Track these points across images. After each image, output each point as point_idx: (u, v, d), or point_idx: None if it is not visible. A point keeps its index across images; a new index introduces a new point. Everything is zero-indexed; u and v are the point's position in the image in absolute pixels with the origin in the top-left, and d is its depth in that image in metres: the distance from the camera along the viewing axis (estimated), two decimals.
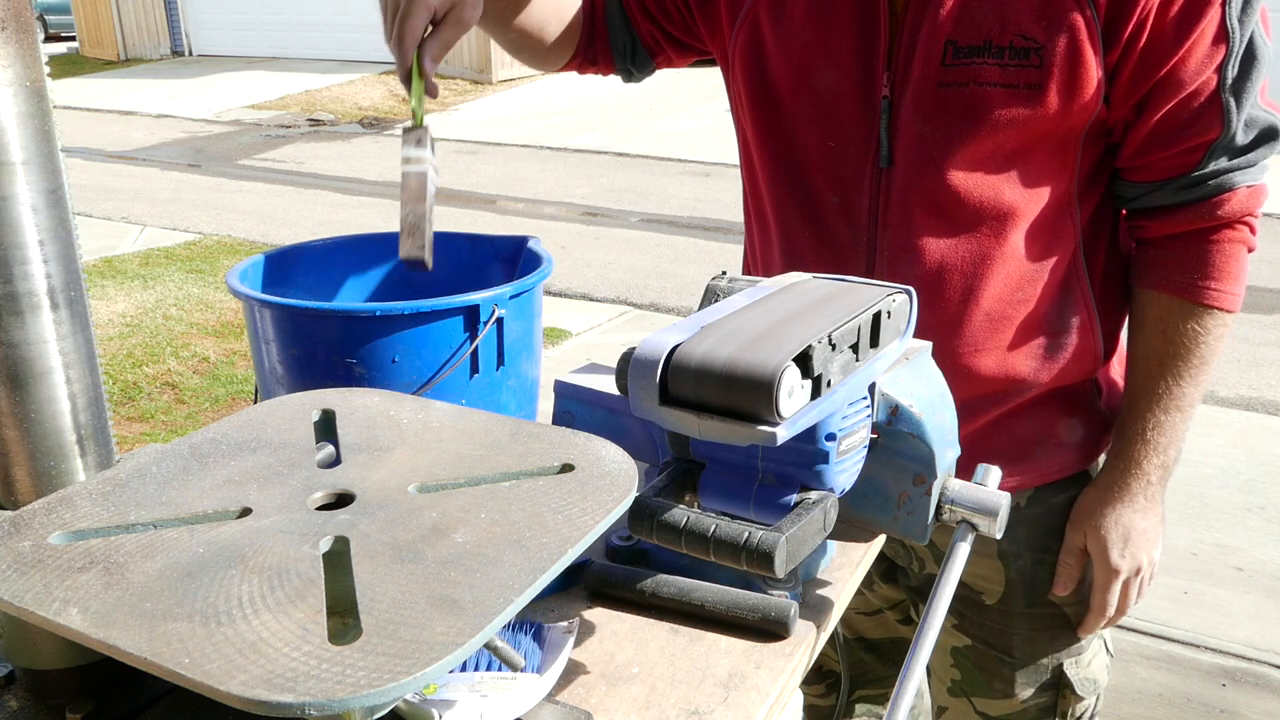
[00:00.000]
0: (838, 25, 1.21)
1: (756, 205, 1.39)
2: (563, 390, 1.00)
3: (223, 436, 0.81)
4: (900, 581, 1.49)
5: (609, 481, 0.73)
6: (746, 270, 1.48)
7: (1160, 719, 2.56)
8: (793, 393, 0.77)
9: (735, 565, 0.80)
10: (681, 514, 0.83)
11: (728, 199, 7.88)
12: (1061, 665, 1.37)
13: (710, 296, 0.98)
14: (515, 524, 0.67)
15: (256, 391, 1.25)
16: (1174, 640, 2.82)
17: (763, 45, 1.28)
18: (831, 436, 0.85)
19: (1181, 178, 1.18)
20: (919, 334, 1.03)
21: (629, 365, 0.81)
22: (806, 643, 0.89)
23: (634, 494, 0.72)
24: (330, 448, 0.80)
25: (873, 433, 0.94)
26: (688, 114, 10.57)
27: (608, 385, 0.97)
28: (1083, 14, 1.10)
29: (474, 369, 1.17)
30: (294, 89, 13.47)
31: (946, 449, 0.96)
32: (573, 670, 0.84)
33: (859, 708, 1.75)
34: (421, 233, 1.11)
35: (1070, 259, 1.25)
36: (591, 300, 5.72)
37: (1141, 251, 1.27)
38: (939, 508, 0.96)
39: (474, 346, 1.15)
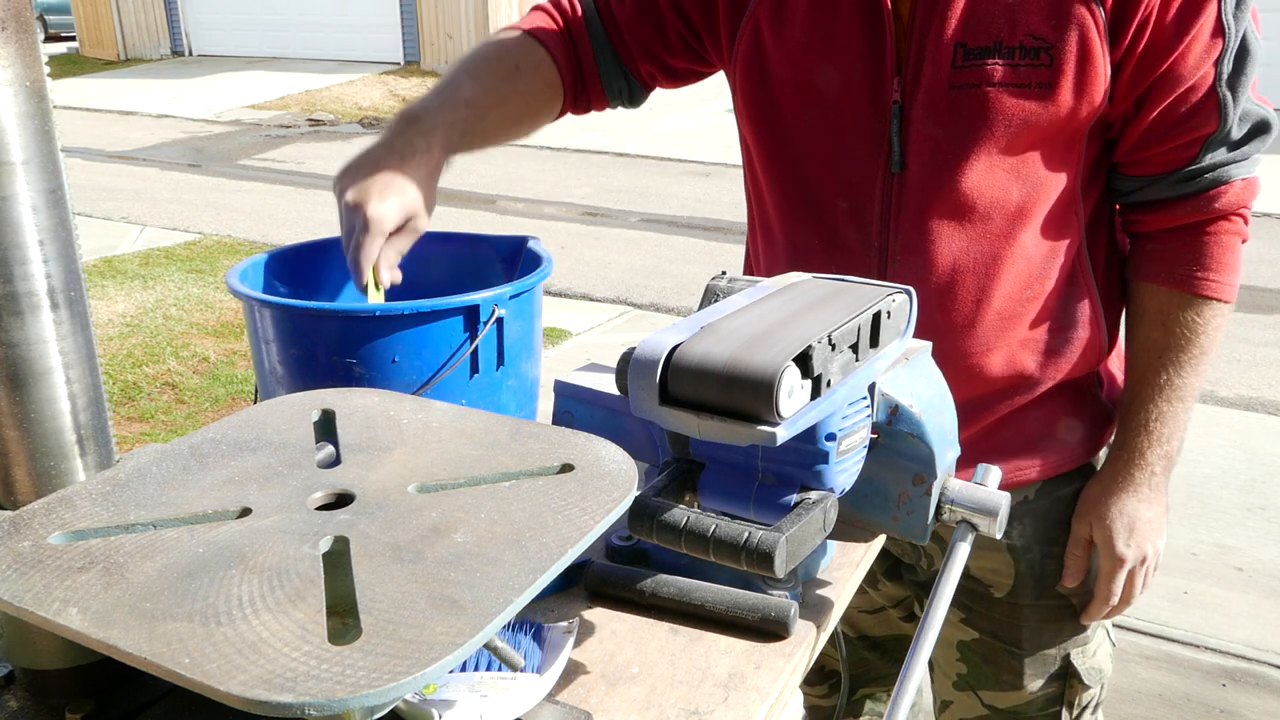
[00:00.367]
0: (842, 31, 1.21)
1: (761, 213, 1.39)
2: (563, 390, 1.00)
3: (223, 436, 0.81)
4: (906, 578, 1.50)
5: (609, 481, 0.73)
6: (748, 274, 1.48)
7: (1160, 719, 2.56)
8: (793, 393, 0.77)
9: (735, 565, 0.80)
10: (681, 514, 0.82)
11: (728, 199, 7.87)
12: (1068, 655, 1.38)
13: (710, 296, 0.98)
14: (515, 524, 0.67)
15: (256, 391, 1.25)
16: (1174, 640, 2.82)
17: (764, 54, 1.27)
18: (831, 436, 0.85)
19: (1179, 171, 1.19)
20: (931, 336, 1.03)
21: (629, 365, 0.81)
22: (806, 643, 0.89)
23: (634, 494, 0.72)
24: (330, 448, 0.80)
25: (873, 433, 0.94)
26: (688, 114, 10.57)
27: (608, 385, 0.97)
28: (1091, 12, 1.11)
29: (474, 369, 1.17)
30: (294, 89, 13.47)
31: (946, 449, 0.96)
32: (573, 670, 0.84)
33: (865, 705, 1.75)
34: None
35: (1075, 254, 1.25)
36: (591, 300, 5.72)
37: (1138, 245, 1.28)
38: (939, 508, 0.96)
39: (474, 346, 1.15)
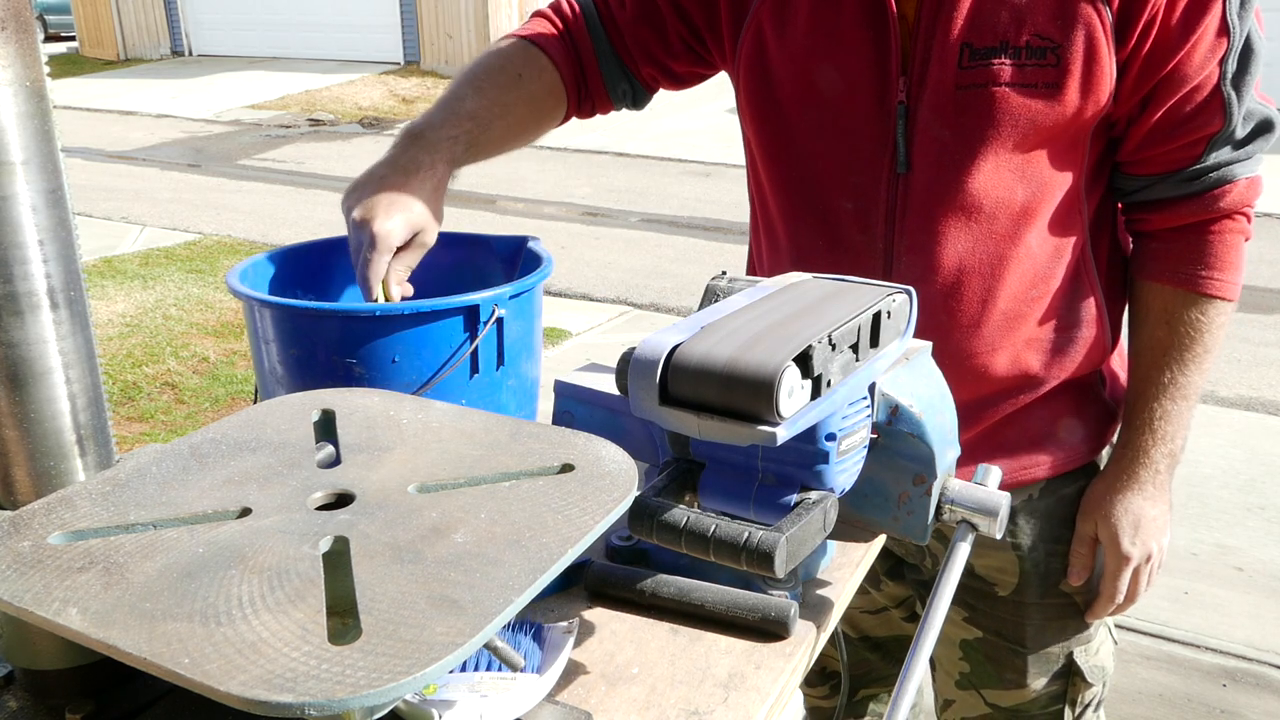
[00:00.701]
0: (845, 31, 1.20)
1: (764, 214, 1.38)
2: (563, 390, 1.00)
3: (223, 436, 0.81)
4: (908, 577, 1.50)
5: (609, 481, 0.73)
6: (751, 274, 1.48)
7: (1160, 719, 2.56)
8: (793, 393, 0.77)
9: (735, 565, 0.80)
10: (681, 514, 0.82)
11: (728, 199, 7.87)
12: (1072, 654, 1.38)
13: (710, 296, 0.98)
14: (515, 524, 0.67)
15: (256, 391, 1.25)
16: (1174, 640, 2.82)
17: (767, 54, 1.27)
18: (831, 436, 0.85)
19: (1183, 170, 1.19)
20: (936, 336, 1.04)
21: (629, 365, 0.81)
22: (806, 643, 0.89)
23: (634, 494, 0.72)
24: (330, 448, 0.80)
25: (873, 433, 0.94)
26: (688, 114, 10.57)
27: (608, 385, 0.97)
28: (1097, 11, 1.11)
29: (474, 369, 1.17)
30: (294, 89, 13.47)
31: (946, 449, 0.96)
32: (573, 670, 0.84)
33: (868, 706, 1.75)
34: None
35: (1080, 253, 1.26)
36: (591, 300, 5.72)
37: (1142, 244, 1.28)
38: (939, 508, 0.96)
39: (474, 346, 1.15)
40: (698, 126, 10.33)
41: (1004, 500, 0.95)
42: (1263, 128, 1.18)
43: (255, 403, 0.99)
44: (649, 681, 0.83)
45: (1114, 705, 2.57)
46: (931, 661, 1.48)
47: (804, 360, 0.78)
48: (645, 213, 7.69)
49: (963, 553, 0.96)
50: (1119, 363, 1.38)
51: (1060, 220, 1.23)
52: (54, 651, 0.73)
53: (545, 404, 1.18)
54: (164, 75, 14.94)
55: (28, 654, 0.74)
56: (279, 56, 15.60)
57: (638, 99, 1.46)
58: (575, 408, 1.00)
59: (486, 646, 0.68)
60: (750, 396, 0.76)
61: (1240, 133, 1.17)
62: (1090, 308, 1.28)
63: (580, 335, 5.16)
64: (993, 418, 1.29)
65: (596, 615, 0.93)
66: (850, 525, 1.02)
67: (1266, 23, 1.20)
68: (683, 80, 1.44)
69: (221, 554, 0.64)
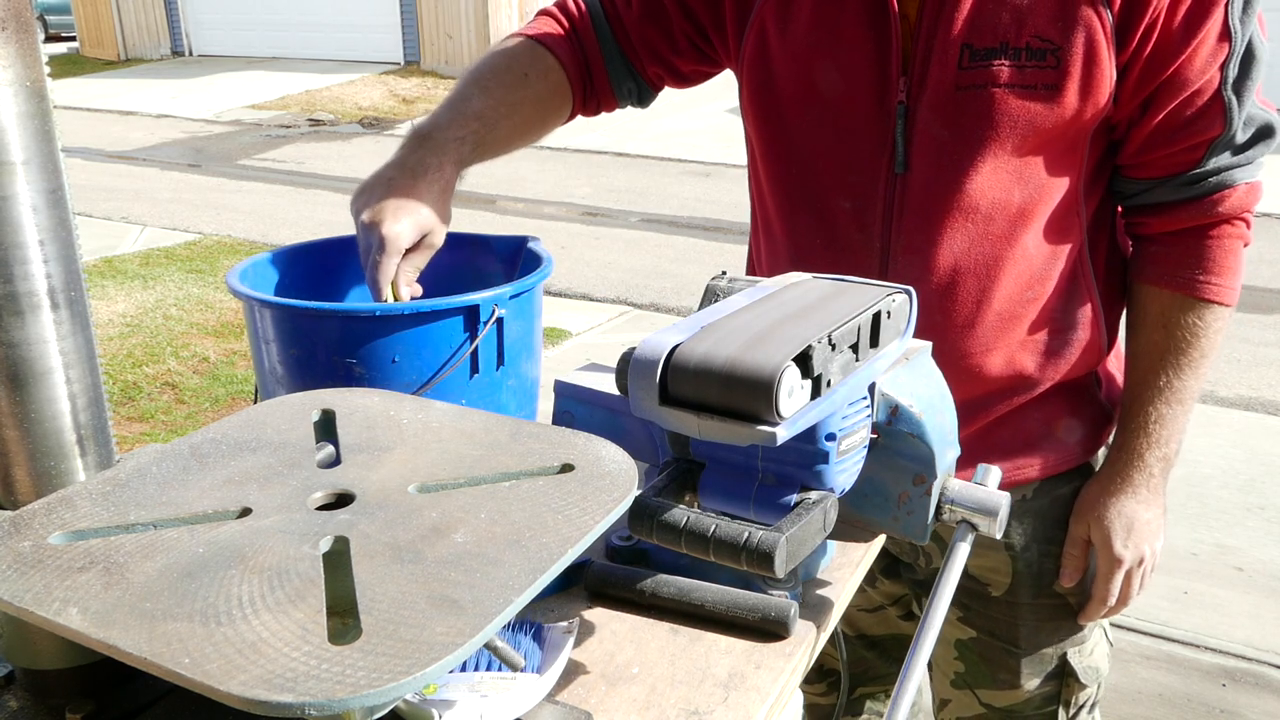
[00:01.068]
0: (847, 31, 1.20)
1: (763, 212, 1.39)
2: (563, 390, 1.00)
3: (223, 436, 0.81)
4: (904, 576, 1.50)
5: (609, 481, 0.73)
6: (750, 274, 1.48)
7: (1160, 719, 2.56)
8: (793, 393, 0.77)
9: (735, 565, 0.80)
10: (681, 514, 0.82)
11: (728, 199, 7.87)
12: (1065, 655, 1.38)
13: (710, 296, 0.98)
14: (515, 524, 0.67)
15: (256, 391, 1.25)
16: (1174, 640, 2.82)
17: (769, 53, 1.27)
18: (831, 436, 0.85)
19: (1183, 175, 1.19)
20: (930, 336, 1.03)
21: (629, 365, 0.81)
22: (806, 643, 0.89)
23: (634, 494, 0.72)
24: (330, 448, 0.80)
25: (873, 433, 0.94)
26: (688, 114, 10.57)
27: (608, 385, 0.97)
28: (1098, 14, 1.11)
29: (474, 369, 1.17)
30: (294, 89, 13.47)
31: (946, 449, 0.96)
32: (573, 670, 0.84)
33: (865, 705, 1.75)
34: None
35: (1077, 255, 1.26)
36: (591, 300, 5.72)
37: (1141, 248, 1.28)
38: (939, 508, 0.96)
39: (474, 346, 1.15)
40: (698, 126, 10.33)
41: (1004, 500, 0.95)
42: (1263, 133, 1.18)
43: (255, 403, 1.00)
44: (649, 681, 0.83)
45: (1114, 705, 2.57)
46: (928, 661, 1.48)
47: (804, 360, 0.78)
48: (645, 213, 7.69)
49: (962, 553, 0.96)
50: (1115, 365, 1.38)
51: (1058, 222, 1.23)
52: (54, 651, 0.73)
53: (545, 404, 1.18)
54: (164, 75, 14.94)
55: (28, 654, 0.74)
56: (279, 56, 15.59)
57: (643, 97, 1.46)
58: (575, 408, 1.00)
59: (486, 646, 0.68)
60: (750, 396, 0.76)
61: (1241, 137, 1.17)
62: (1086, 310, 1.28)
63: (580, 335, 5.16)
64: (987, 418, 1.29)
65: (596, 615, 0.93)
66: (850, 525, 1.02)
67: (1268, 24, 1.20)
68: (688, 79, 1.45)
69: (221, 554, 0.64)
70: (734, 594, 0.90)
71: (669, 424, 0.81)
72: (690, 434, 0.81)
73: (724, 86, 1.43)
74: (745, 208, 1.46)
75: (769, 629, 0.88)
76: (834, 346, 0.82)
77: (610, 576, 0.94)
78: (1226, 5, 1.11)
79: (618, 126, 10.31)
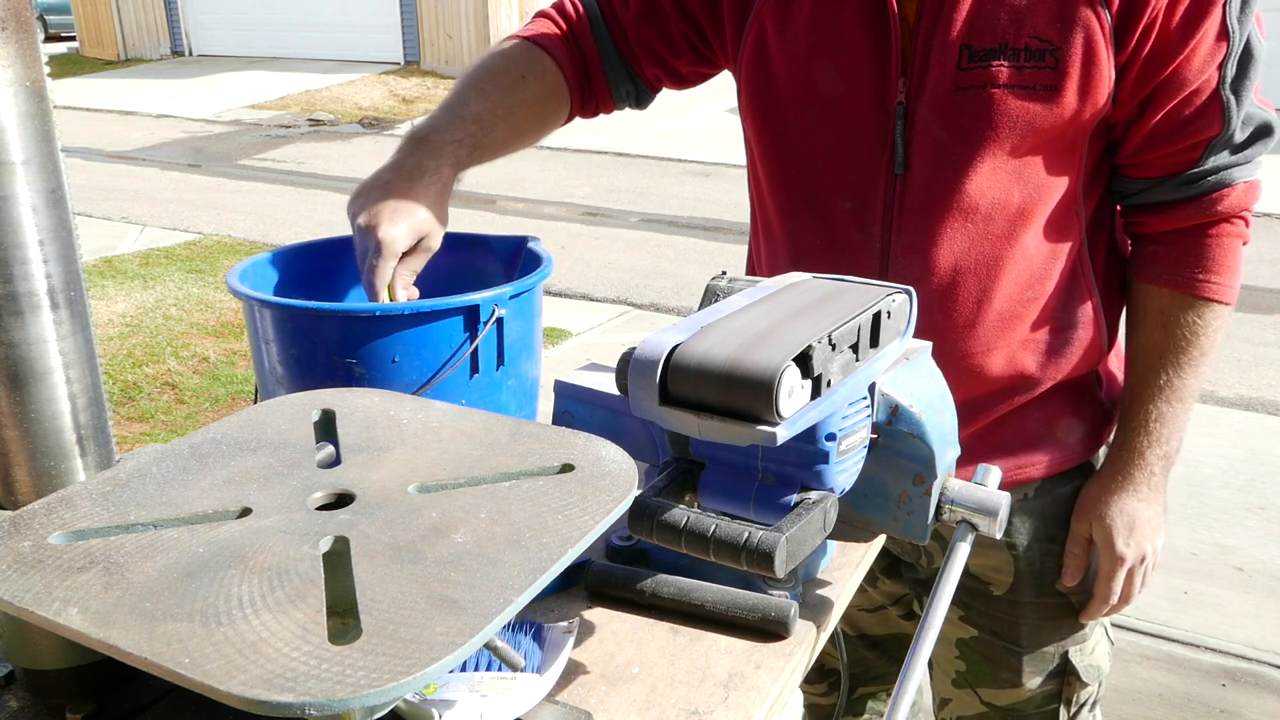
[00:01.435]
0: (846, 30, 1.21)
1: (763, 213, 1.39)
2: (563, 390, 1.00)
3: (223, 436, 0.81)
4: (905, 575, 1.50)
5: (609, 481, 0.73)
6: (750, 274, 1.48)
7: (1160, 719, 2.56)
8: (793, 393, 0.77)
9: (735, 565, 0.80)
10: (681, 514, 0.82)
11: (728, 199, 7.87)
12: (1067, 653, 1.38)
13: (710, 296, 0.98)
14: (515, 524, 0.67)
15: (256, 391, 1.25)
16: (1174, 640, 2.82)
17: (768, 53, 1.27)
18: (831, 436, 0.85)
19: (1182, 174, 1.19)
20: (931, 336, 1.03)
21: (629, 365, 0.81)
22: (806, 643, 0.89)
23: (634, 494, 0.72)
24: (330, 448, 0.80)
25: (873, 433, 0.94)
26: (688, 114, 10.57)
27: (608, 385, 0.97)
28: (1096, 15, 1.11)
29: (474, 369, 1.17)
30: (294, 89, 13.47)
31: (946, 449, 0.96)
32: (573, 670, 0.84)
33: (866, 705, 1.75)
34: None
35: (1076, 255, 1.26)
36: (591, 300, 5.72)
37: (1140, 247, 1.29)
38: (939, 508, 0.96)
39: (474, 346, 1.15)
40: (698, 126, 10.33)
41: (1004, 500, 0.95)
42: (1261, 132, 1.18)
43: (255, 403, 1.00)
44: (649, 681, 0.83)
45: (1114, 705, 2.57)
46: (929, 660, 1.49)
47: (804, 360, 0.78)
48: (645, 213, 7.69)
49: (963, 553, 0.96)
50: (1116, 364, 1.38)
51: (1057, 222, 1.23)
52: (54, 651, 0.73)
53: (545, 404, 1.18)
54: (164, 75, 14.94)
55: (28, 654, 0.74)
56: (279, 56, 15.59)
57: (641, 98, 1.46)
58: (575, 408, 1.00)
59: (486, 646, 0.68)
60: (750, 396, 0.76)
61: (1239, 137, 1.17)
62: (1087, 309, 1.28)
63: (580, 335, 5.16)
64: (988, 418, 1.29)
65: (596, 615, 0.93)
66: (850, 525, 1.02)
67: (1267, 23, 1.20)
68: (686, 80, 1.45)
69: (221, 554, 0.64)
70: (734, 594, 0.90)
71: (669, 424, 0.81)
72: (690, 434, 0.81)
73: (724, 86, 1.43)
74: (745, 208, 1.46)
75: (769, 629, 0.88)
76: (834, 346, 0.82)
77: (610, 576, 0.94)
78: (1224, 5, 1.11)
79: (618, 126, 10.31)
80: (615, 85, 1.42)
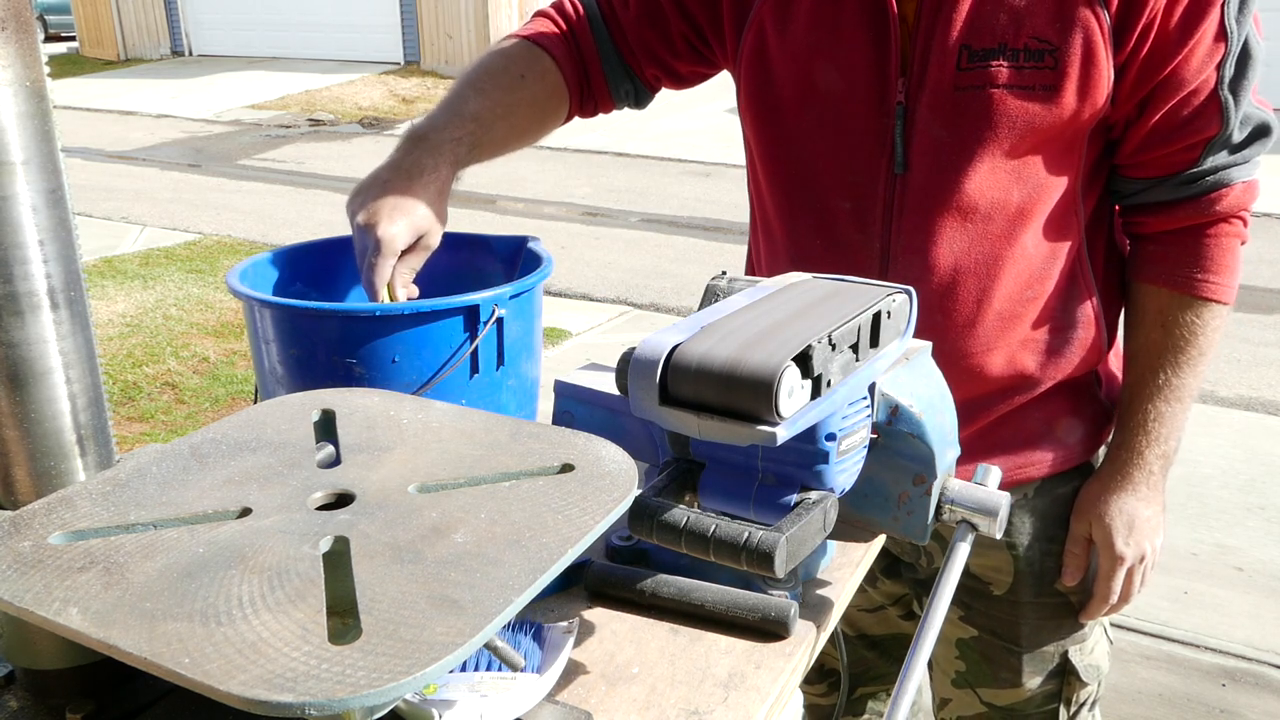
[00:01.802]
0: (846, 31, 1.21)
1: (762, 213, 1.39)
2: (563, 390, 1.00)
3: (223, 436, 0.81)
4: (905, 575, 1.50)
5: (609, 481, 0.73)
6: (750, 274, 1.48)
7: (1160, 719, 2.56)
8: (793, 393, 0.77)
9: (735, 565, 0.80)
10: (681, 514, 0.82)
11: (728, 199, 7.87)
12: (1066, 653, 1.38)
13: (710, 296, 0.98)
14: (515, 524, 0.67)
15: (256, 391, 1.25)
16: (1174, 640, 2.82)
17: (768, 53, 1.27)
18: (831, 436, 0.85)
19: (1180, 174, 1.20)
20: (931, 336, 1.03)
21: (629, 365, 0.81)
22: (806, 643, 0.89)
23: (634, 494, 0.72)
24: (330, 448, 0.80)
25: (873, 433, 0.94)
26: (688, 114, 10.57)
27: (608, 385, 0.97)
28: (1095, 15, 1.11)
29: (474, 369, 1.17)
30: (294, 89, 13.47)
31: (946, 449, 0.96)
32: (573, 670, 0.84)
33: (866, 705, 1.75)
34: None
35: (1076, 254, 1.26)
36: (591, 300, 5.72)
37: (1138, 247, 1.29)
38: (939, 508, 0.96)
39: (474, 346, 1.15)
40: (698, 126, 10.33)
41: (1004, 500, 0.95)
42: (1260, 132, 1.18)
43: (255, 403, 1.00)
44: (649, 681, 0.83)
45: (1114, 705, 2.57)
46: (929, 660, 1.49)
47: (804, 360, 0.78)
48: (645, 213, 7.69)
49: (963, 553, 0.96)
50: (1116, 363, 1.38)
51: (1056, 222, 1.23)
52: (54, 651, 0.73)
53: (545, 404, 1.18)
54: (164, 75, 14.94)
55: (28, 654, 0.74)
56: (279, 56, 15.59)
57: (640, 98, 1.46)
58: (575, 408, 1.00)
59: (486, 646, 0.68)
60: (750, 396, 0.76)
61: (1237, 137, 1.17)
62: (1086, 309, 1.28)
63: (580, 335, 5.16)
64: (988, 417, 1.29)
65: (596, 615, 0.93)
66: (850, 525, 1.02)
67: (1266, 23, 1.21)
68: (685, 80, 1.45)
69: (221, 554, 0.64)
70: (734, 594, 0.90)
71: (669, 424, 0.81)
72: (690, 434, 0.81)
73: (723, 87, 1.43)
74: (745, 208, 1.46)
75: (769, 629, 0.88)
76: (834, 346, 0.82)
77: (610, 576, 0.94)
78: (1223, 5, 1.11)
79: (618, 126, 10.31)
80: (614, 85, 1.42)
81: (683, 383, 0.79)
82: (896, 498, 0.97)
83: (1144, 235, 1.28)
